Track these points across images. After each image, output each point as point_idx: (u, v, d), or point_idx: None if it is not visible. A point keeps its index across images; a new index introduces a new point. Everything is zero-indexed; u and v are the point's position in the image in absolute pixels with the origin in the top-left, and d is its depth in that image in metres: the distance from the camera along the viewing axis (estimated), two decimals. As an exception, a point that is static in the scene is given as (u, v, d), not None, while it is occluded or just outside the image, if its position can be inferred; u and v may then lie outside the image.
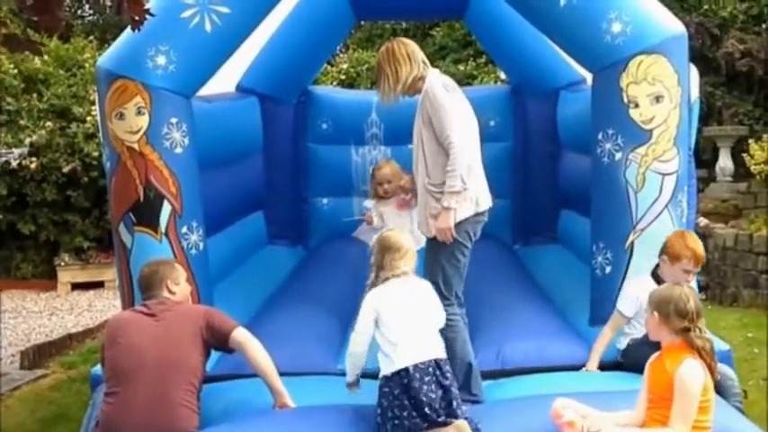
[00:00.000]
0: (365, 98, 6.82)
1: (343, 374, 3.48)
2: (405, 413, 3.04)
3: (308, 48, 6.09)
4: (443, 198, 3.53)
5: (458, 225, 3.55)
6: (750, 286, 7.55)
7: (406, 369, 3.06)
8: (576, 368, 3.89)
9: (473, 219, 3.61)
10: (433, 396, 3.04)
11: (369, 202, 5.97)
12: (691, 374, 2.72)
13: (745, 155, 8.46)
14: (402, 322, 3.17)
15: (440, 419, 3.03)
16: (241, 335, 3.37)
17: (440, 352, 3.18)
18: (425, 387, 3.04)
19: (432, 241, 3.61)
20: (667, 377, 2.76)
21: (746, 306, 7.42)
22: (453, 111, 3.55)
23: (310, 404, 3.39)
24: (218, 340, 3.37)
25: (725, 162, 9.48)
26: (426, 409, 3.02)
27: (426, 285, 3.40)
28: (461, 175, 3.50)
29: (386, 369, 3.13)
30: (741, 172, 9.15)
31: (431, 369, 3.09)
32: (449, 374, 3.14)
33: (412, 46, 3.73)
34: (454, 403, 3.07)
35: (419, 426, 3.04)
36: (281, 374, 3.44)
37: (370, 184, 5.94)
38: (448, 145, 3.49)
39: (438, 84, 3.60)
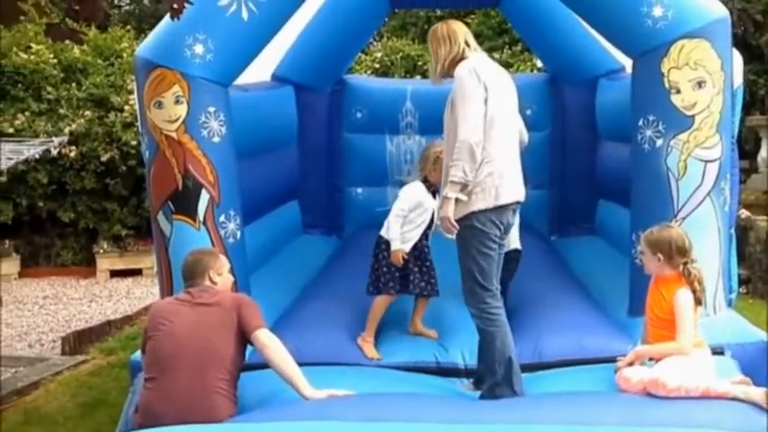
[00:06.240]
0: (400, 87, 6.79)
1: (376, 367, 3.67)
2: None
3: (343, 36, 6.08)
4: (446, 187, 3.44)
5: (477, 215, 3.43)
6: (793, 279, 7.38)
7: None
8: (615, 360, 3.82)
9: (494, 210, 3.44)
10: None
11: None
12: (687, 299, 3.31)
13: (788, 144, 8.25)
14: None
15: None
16: (263, 337, 3.29)
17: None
18: None
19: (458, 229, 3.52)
20: (666, 303, 3.35)
21: (789, 300, 7.25)
22: (474, 102, 3.39)
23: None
24: (242, 333, 3.33)
25: (767, 152, 9.25)
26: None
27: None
28: (464, 166, 3.35)
29: None
30: (784, 163, 8.93)
31: None
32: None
33: (455, 26, 3.61)
34: None
35: None
36: (315, 364, 3.43)
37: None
38: (457, 132, 3.41)
39: (466, 69, 3.45)
